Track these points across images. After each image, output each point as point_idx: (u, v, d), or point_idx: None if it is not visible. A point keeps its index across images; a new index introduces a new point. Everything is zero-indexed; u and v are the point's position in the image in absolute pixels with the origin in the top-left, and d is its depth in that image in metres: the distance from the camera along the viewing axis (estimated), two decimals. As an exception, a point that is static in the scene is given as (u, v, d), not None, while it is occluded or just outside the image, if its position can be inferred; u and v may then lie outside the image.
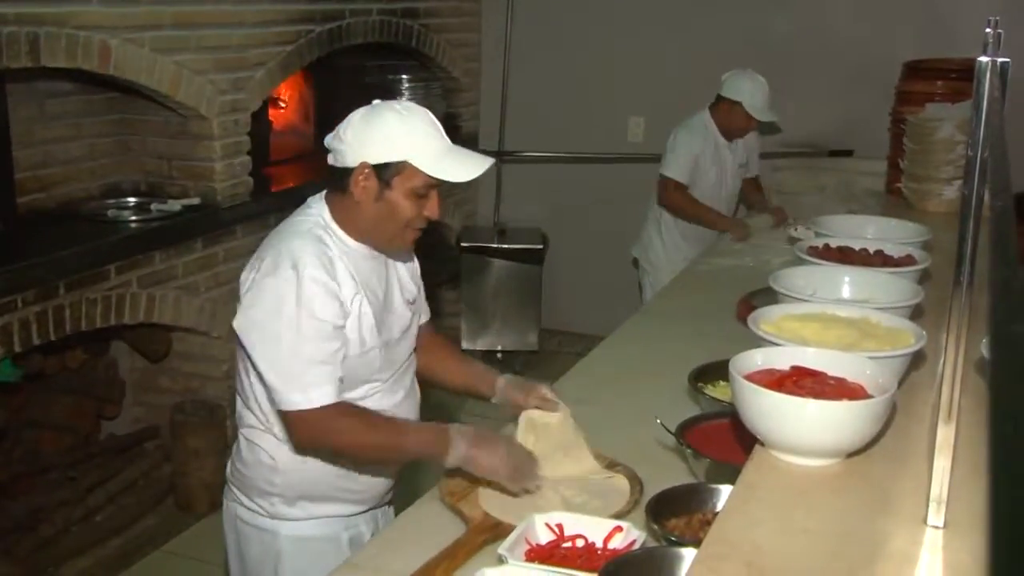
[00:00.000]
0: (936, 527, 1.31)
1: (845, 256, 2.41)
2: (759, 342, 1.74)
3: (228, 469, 2.06)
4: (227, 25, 3.58)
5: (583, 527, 1.66)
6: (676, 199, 4.06)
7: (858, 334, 1.80)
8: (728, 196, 4.19)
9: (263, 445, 1.94)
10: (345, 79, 4.66)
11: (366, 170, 1.82)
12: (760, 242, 3.79)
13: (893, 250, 2.44)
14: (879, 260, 2.39)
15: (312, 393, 1.78)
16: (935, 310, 2.03)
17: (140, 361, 3.77)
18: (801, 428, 1.49)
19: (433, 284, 3.12)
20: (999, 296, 0.78)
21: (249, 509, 1.99)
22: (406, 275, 2.04)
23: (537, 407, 1.99)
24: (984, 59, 1.24)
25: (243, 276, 1.89)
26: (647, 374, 2.47)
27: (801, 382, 1.56)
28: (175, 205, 3.49)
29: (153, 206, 3.48)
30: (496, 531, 1.70)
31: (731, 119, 4.01)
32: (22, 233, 3.11)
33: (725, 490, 1.63)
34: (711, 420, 1.97)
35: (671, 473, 1.87)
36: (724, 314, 2.83)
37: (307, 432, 1.82)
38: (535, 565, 1.55)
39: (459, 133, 5.14)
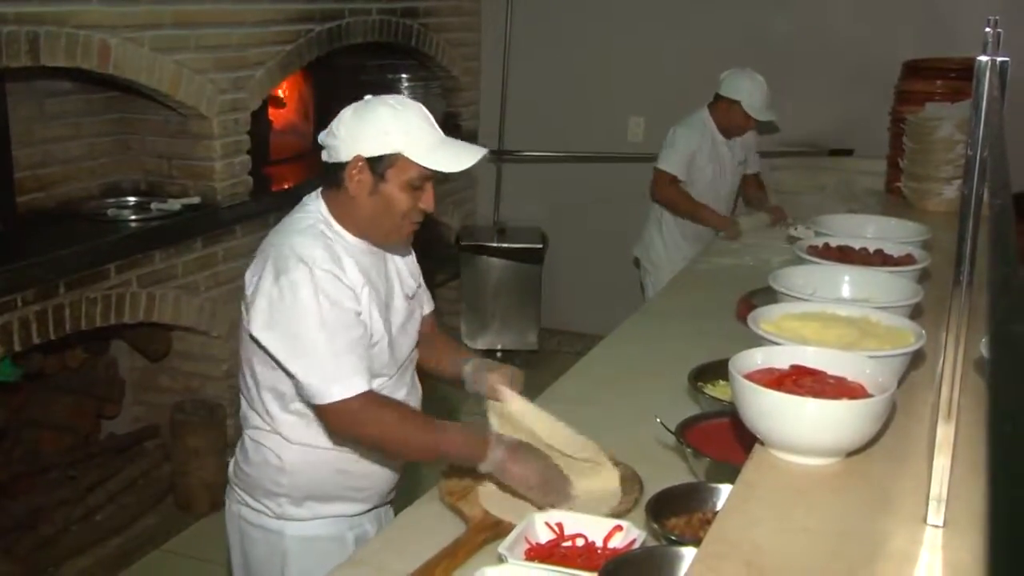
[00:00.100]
0: (936, 526, 1.31)
1: (845, 255, 2.41)
2: (759, 341, 1.74)
3: (231, 469, 2.05)
4: (227, 24, 3.59)
5: (583, 526, 1.66)
6: (669, 193, 4.06)
7: (858, 333, 1.80)
8: (726, 194, 4.19)
9: (269, 446, 1.93)
10: (345, 78, 4.66)
11: (360, 163, 1.82)
12: (760, 241, 3.80)
13: (893, 249, 2.44)
14: (879, 259, 2.38)
15: (352, 382, 1.77)
16: (935, 309, 2.03)
17: (140, 360, 3.77)
18: (801, 427, 1.49)
19: (433, 283, 3.12)
20: (998, 295, 0.78)
21: (254, 510, 1.98)
22: (405, 270, 2.04)
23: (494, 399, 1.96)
24: (984, 58, 1.24)
25: (247, 277, 1.88)
26: (647, 373, 2.47)
27: (801, 381, 1.56)
28: (175, 204, 3.49)
29: (153, 205, 3.48)
30: (496, 530, 1.70)
31: (729, 118, 4.01)
32: (22, 232, 3.11)
33: (725, 489, 1.63)
34: (711, 419, 1.97)
35: (671, 472, 1.87)
36: (724, 313, 2.83)
37: (349, 420, 1.81)
38: (535, 564, 1.55)
39: (459, 132, 5.13)
